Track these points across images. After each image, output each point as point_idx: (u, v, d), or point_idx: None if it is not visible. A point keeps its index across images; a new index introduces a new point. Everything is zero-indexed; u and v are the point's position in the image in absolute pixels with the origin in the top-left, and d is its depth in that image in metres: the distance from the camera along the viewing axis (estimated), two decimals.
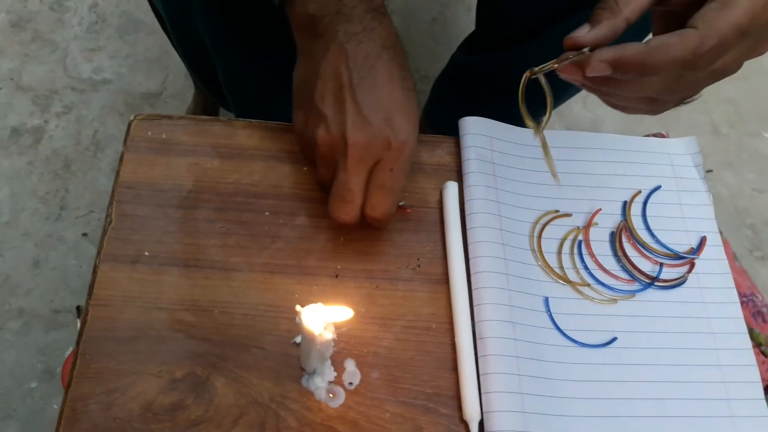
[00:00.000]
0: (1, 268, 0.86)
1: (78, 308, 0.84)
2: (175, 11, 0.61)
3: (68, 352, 0.81)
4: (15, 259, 0.87)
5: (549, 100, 0.39)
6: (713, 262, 0.48)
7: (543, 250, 0.47)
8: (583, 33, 0.36)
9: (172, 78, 1.03)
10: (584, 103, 1.05)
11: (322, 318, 0.33)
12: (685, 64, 0.34)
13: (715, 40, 0.33)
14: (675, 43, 0.34)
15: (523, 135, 0.52)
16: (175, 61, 1.01)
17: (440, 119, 0.93)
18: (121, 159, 0.49)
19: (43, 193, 0.92)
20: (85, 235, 0.89)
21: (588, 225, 0.49)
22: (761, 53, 0.37)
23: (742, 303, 0.50)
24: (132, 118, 0.51)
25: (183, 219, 0.47)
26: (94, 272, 0.44)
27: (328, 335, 0.34)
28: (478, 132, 0.51)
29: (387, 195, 0.43)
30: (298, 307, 0.34)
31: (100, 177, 0.94)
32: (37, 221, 0.90)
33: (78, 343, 0.42)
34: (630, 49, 0.35)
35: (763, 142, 1.08)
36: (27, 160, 0.94)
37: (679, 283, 0.47)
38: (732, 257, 0.54)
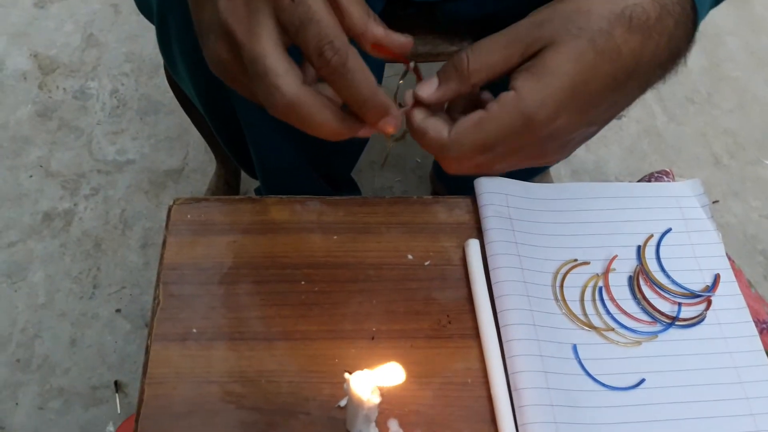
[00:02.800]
0: (40, 349, 0.89)
1: (116, 383, 0.86)
2: (204, 86, 0.62)
3: (109, 428, 0.83)
4: (53, 339, 0.90)
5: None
6: (729, 298, 0.50)
7: (566, 298, 0.50)
8: (429, 91, 0.37)
9: (193, 154, 1.08)
10: (587, 147, 1.09)
11: (371, 383, 0.36)
12: (480, 150, 0.38)
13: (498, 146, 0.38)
14: (470, 135, 0.37)
15: (535, 190, 0.55)
16: (194, 137, 1.06)
17: (449, 175, 0.97)
18: (164, 242, 0.53)
19: (77, 273, 0.96)
20: (118, 311, 0.93)
21: (606, 271, 0.51)
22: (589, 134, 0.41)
23: (762, 330, 0.52)
24: (171, 203, 0.54)
25: (225, 294, 0.50)
26: (147, 352, 0.47)
27: (376, 399, 0.36)
28: (494, 190, 0.54)
29: None
30: (347, 375, 0.36)
31: (130, 254, 0.98)
32: (72, 301, 0.93)
33: (136, 420, 0.45)
34: (432, 131, 0.37)
35: (765, 169, 1.11)
36: (59, 242, 0.98)
37: (698, 321, 0.49)
38: (747, 285, 0.56)
